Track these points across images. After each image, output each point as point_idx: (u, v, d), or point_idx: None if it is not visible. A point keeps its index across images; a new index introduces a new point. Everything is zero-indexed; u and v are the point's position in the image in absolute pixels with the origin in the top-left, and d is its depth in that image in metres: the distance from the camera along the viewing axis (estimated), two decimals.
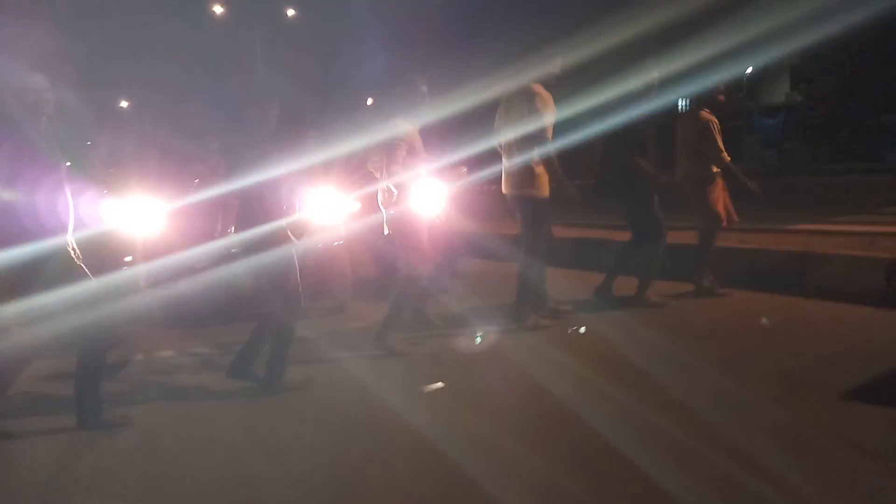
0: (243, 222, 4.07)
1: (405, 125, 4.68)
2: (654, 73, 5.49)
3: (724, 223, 5.74)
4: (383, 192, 4.71)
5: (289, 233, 4.05)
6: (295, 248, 4.10)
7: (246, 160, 3.98)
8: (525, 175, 5.05)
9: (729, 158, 5.65)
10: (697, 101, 5.86)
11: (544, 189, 5.08)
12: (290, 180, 4.12)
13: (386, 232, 4.85)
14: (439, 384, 3.96)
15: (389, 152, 4.58)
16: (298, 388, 4.09)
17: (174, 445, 3.41)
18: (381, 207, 4.80)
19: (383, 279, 7.33)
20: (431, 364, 4.46)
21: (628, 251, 5.76)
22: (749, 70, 30.36)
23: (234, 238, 4.21)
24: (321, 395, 4.01)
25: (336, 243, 6.17)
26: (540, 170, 5.05)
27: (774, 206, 10.41)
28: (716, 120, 5.71)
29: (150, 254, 5.77)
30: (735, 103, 29.99)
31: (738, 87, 30.20)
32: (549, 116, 4.96)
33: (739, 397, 3.44)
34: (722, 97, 5.89)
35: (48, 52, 3.76)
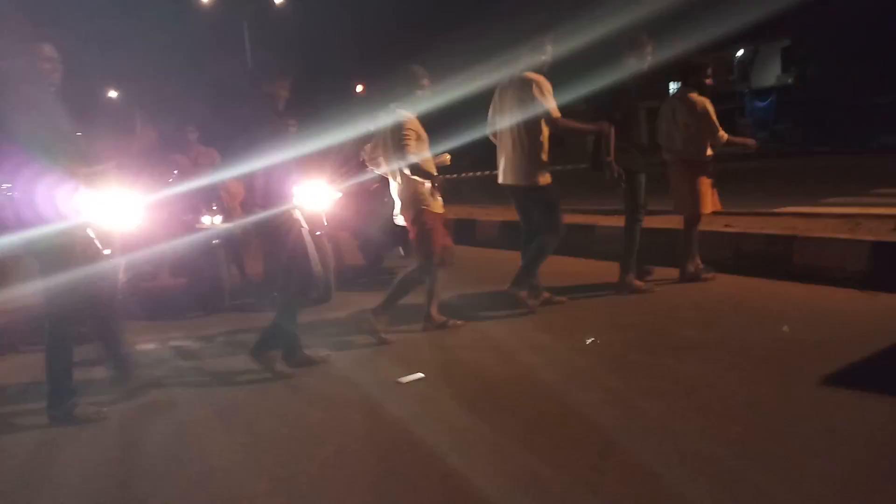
0: (261, 204, 4.10)
1: (406, 113, 4.68)
2: (646, 45, 5.41)
3: (709, 209, 5.69)
4: (401, 177, 4.71)
5: (299, 216, 4.16)
6: (307, 231, 4.20)
7: (254, 142, 4.02)
8: (531, 164, 5.04)
9: (727, 136, 5.62)
10: (686, 84, 5.80)
11: (549, 176, 5.09)
12: (292, 164, 4.18)
13: (400, 220, 4.87)
14: (419, 375, 3.92)
15: (400, 139, 4.57)
16: (280, 379, 4.07)
17: (148, 440, 3.37)
18: (398, 194, 4.80)
19: (367, 269, 7.32)
20: (414, 354, 4.41)
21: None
22: (740, 52, 30.30)
23: (247, 220, 4.22)
24: (301, 386, 3.97)
25: (317, 233, 6.10)
26: (545, 157, 5.05)
27: (763, 188, 10.44)
28: (708, 101, 5.66)
29: (129, 247, 5.69)
30: (726, 86, 29.95)
31: (729, 70, 30.13)
32: (551, 99, 4.95)
33: (718, 382, 3.42)
34: (709, 80, 5.83)
35: (25, 39, 3.77)
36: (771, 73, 29.98)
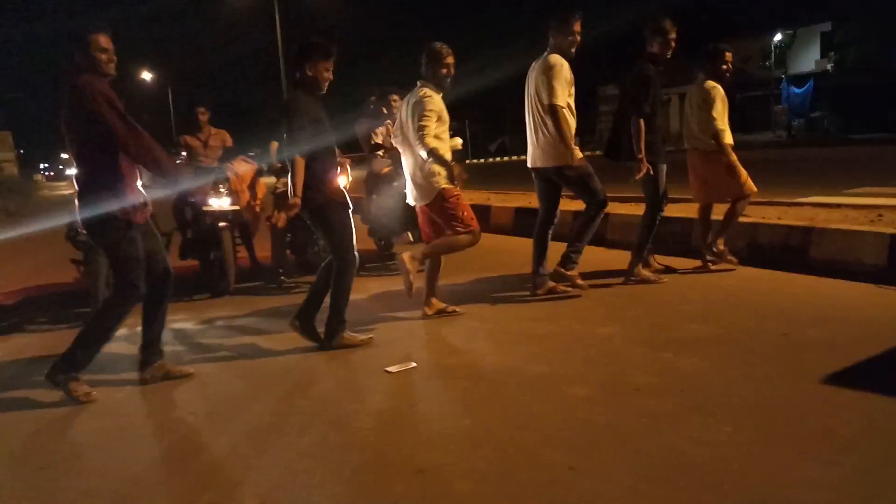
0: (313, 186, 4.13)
1: (432, 94, 4.59)
2: (670, 31, 5.25)
3: (753, 188, 5.49)
4: (418, 158, 4.61)
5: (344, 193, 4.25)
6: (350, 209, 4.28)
7: (302, 122, 4.07)
8: (557, 145, 4.89)
9: (721, 127, 5.41)
10: (703, 72, 5.63)
11: (576, 154, 4.91)
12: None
13: (413, 202, 4.81)
14: (411, 364, 3.84)
15: (420, 118, 4.47)
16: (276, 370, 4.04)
17: (134, 425, 3.36)
18: (411, 176, 4.73)
19: (377, 254, 7.26)
20: (409, 342, 4.34)
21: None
22: (777, 37, 29.53)
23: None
24: (292, 371, 3.94)
25: None
26: (571, 137, 4.89)
27: (789, 177, 10.14)
28: (719, 88, 5.48)
29: None
30: (761, 71, 29.23)
31: (766, 55, 29.40)
32: (557, 85, 4.79)
33: (716, 380, 3.28)
34: (727, 66, 5.63)
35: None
36: (809, 59, 29.19)
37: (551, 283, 5.19)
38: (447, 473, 2.58)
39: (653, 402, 3.06)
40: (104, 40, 3.62)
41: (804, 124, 26.29)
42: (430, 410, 3.22)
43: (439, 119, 4.55)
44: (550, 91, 4.79)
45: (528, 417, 3.03)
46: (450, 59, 4.65)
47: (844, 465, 2.44)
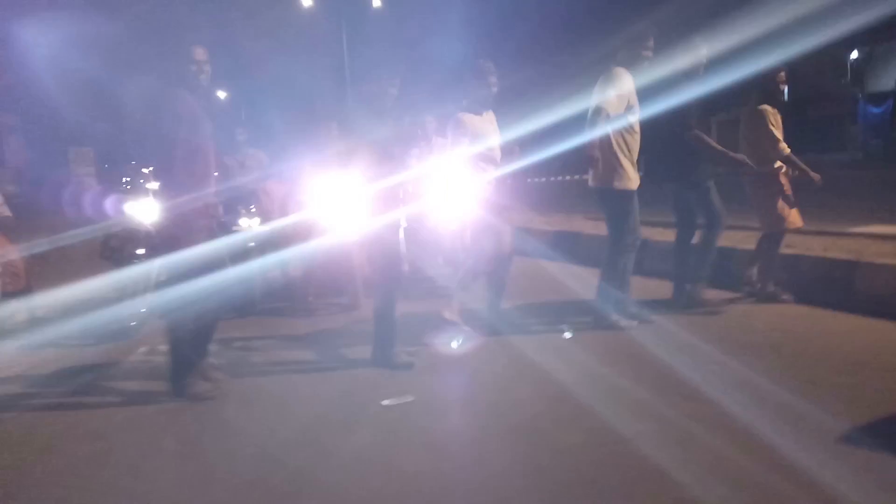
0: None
1: (469, 117, 4.63)
2: (702, 49, 5.06)
3: (793, 225, 5.24)
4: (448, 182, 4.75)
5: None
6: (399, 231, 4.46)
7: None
8: (605, 166, 4.75)
9: (788, 150, 5.16)
10: (757, 94, 5.37)
11: (627, 181, 4.76)
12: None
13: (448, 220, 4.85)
14: (408, 398, 3.71)
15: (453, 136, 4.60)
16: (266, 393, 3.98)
17: (122, 450, 3.34)
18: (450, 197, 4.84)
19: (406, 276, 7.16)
20: (413, 371, 4.21)
21: (683, 248, 5.33)
22: (854, 54, 28.20)
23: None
24: (288, 400, 3.87)
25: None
26: (621, 160, 4.74)
27: (857, 200, 9.53)
28: (773, 110, 5.23)
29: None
30: (838, 88, 27.95)
31: (842, 73, 28.11)
32: (610, 92, 4.63)
33: (722, 430, 3.01)
34: (778, 86, 5.34)
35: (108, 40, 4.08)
36: (889, 76, 27.73)
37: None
38: None
39: (643, 454, 2.84)
40: (199, 52, 3.81)
41: (882, 144, 24.95)
42: (410, 451, 3.08)
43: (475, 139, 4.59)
44: (597, 108, 4.64)
45: (508, 465, 2.86)
46: (493, 78, 4.63)
47: None
